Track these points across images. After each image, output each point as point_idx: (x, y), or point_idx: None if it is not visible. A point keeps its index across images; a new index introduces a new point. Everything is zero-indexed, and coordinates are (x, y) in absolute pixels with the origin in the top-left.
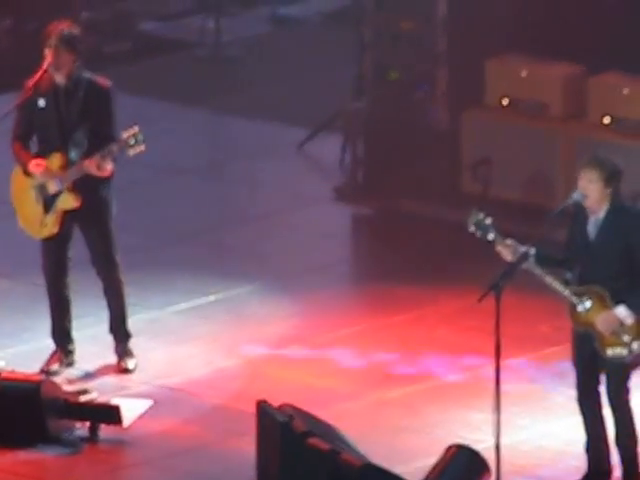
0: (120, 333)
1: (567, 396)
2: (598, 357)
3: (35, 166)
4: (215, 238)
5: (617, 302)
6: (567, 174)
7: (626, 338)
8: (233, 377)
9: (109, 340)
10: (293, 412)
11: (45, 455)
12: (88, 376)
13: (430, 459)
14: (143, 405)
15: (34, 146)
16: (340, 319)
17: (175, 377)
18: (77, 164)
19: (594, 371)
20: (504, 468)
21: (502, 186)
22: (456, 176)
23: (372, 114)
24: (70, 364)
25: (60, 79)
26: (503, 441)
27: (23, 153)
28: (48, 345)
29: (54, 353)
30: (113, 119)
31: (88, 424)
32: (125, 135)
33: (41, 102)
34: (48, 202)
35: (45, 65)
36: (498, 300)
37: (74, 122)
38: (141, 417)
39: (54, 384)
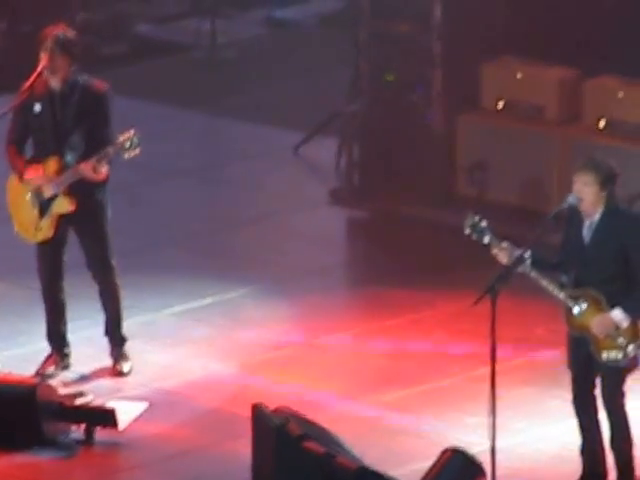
0: (116, 336)
1: (562, 399)
2: (593, 360)
3: (32, 173)
4: (211, 241)
5: (612, 305)
6: (562, 177)
7: (621, 341)
8: (228, 380)
9: (104, 343)
10: (288, 415)
11: (41, 458)
12: (84, 379)
13: (426, 462)
14: (139, 408)
15: (29, 150)
16: (336, 322)
17: (171, 380)
18: (73, 168)
19: (589, 374)
20: (499, 472)
21: (498, 189)
22: (452, 179)
23: (368, 117)
24: (66, 367)
25: (55, 83)
26: (498, 444)
27: (18, 160)
28: (44, 348)
29: (49, 356)
30: (109, 123)
31: (84, 427)
32: (121, 139)
33: (37, 107)
34: (43, 206)
35: (40, 69)
36: (494, 303)
37: (70, 126)
38: (137, 420)
39: (50, 387)
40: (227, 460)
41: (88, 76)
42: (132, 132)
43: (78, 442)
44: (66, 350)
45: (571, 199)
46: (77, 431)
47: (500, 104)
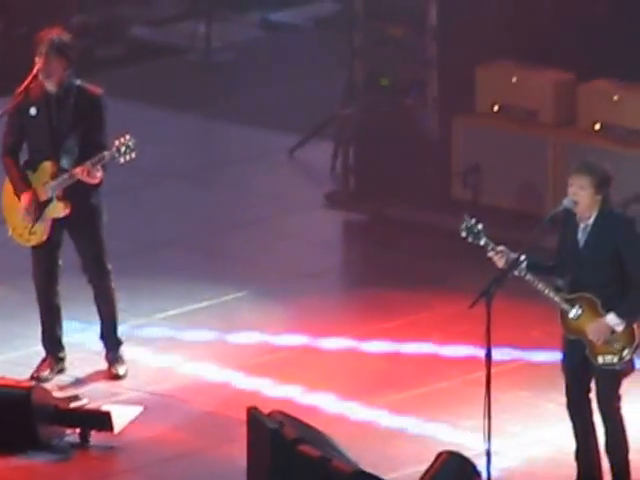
0: (111, 340)
1: (558, 403)
2: (588, 364)
3: (25, 202)
4: (206, 244)
5: (608, 308)
6: (557, 181)
7: (617, 345)
8: (224, 383)
9: (99, 347)
10: (283, 419)
11: (35, 461)
12: (78, 382)
13: (421, 466)
14: (134, 411)
15: (24, 154)
16: (332, 325)
17: (165, 383)
18: (68, 172)
19: (584, 378)
20: (495, 474)
21: (492, 193)
22: (446, 183)
23: (363, 120)
24: (61, 371)
25: (51, 87)
26: (494, 447)
27: (13, 171)
28: (39, 352)
29: (44, 360)
30: (104, 127)
31: (79, 430)
32: (117, 143)
33: (32, 110)
34: (38, 210)
35: (35, 72)
36: (489, 306)
37: (65, 130)
38: (131, 423)
39: (45, 390)
40: (222, 464)
41: (82, 81)
42: (127, 136)
43: (73, 445)
44: (61, 354)
45: (566, 202)
46: (72, 434)
47: (495, 107)
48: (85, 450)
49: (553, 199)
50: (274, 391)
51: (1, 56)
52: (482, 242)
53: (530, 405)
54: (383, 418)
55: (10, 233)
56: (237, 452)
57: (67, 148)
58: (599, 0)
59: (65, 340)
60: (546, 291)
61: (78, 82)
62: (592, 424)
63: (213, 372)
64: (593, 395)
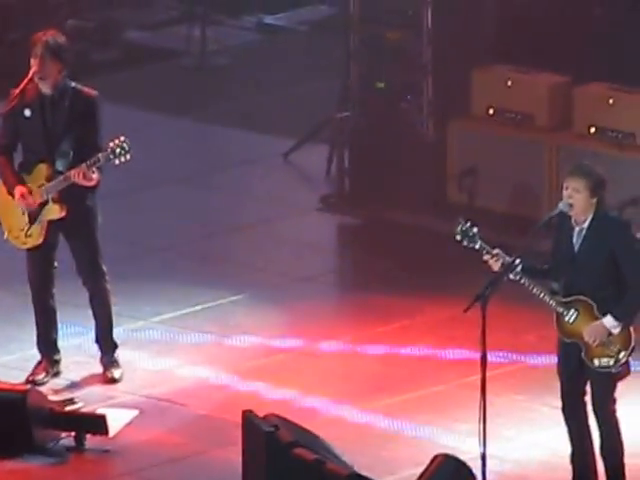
0: (106, 343)
1: (553, 406)
2: (584, 367)
3: (20, 197)
4: (201, 248)
5: (604, 312)
6: (553, 184)
7: (613, 348)
8: (219, 387)
9: (95, 350)
10: (279, 422)
11: (31, 465)
12: (74, 386)
13: (416, 469)
14: (129, 415)
15: (19, 156)
16: (327, 329)
17: (161, 387)
18: (63, 174)
19: (579, 381)
20: (490, 478)
21: (488, 196)
22: (442, 186)
23: (358, 124)
24: (56, 374)
25: (46, 89)
26: (489, 451)
27: (8, 172)
28: (34, 355)
29: (40, 363)
30: (99, 129)
31: (74, 434)
32: (111, 144)
33: (27, 112)
34: (33, 213)
35: (31, 74)
36: (484, 310)
37: (60, 132)
38: (127, 427)
39: (40, 394)
40: (217, 467)
41: (77, 83)
42: (122, 138)
43: (68, 449)
44: (56, 357)
45: (562, 206)
46: (67, 438)
47: (490, 111)
48: (80, 453)
49: (549, 202)
50: (269, 394)
51: None
52: (477, 246)
53: (525, 409)
54: (378, 421)
55: (6, 236)
56: (232, 455)
57: (62, 150)
58: (595, 3)
59: (60, 343)
60: (541, 295)
61: (73, 84)
62: (587, 427)
63: (209, 375)
64: (588, 398)
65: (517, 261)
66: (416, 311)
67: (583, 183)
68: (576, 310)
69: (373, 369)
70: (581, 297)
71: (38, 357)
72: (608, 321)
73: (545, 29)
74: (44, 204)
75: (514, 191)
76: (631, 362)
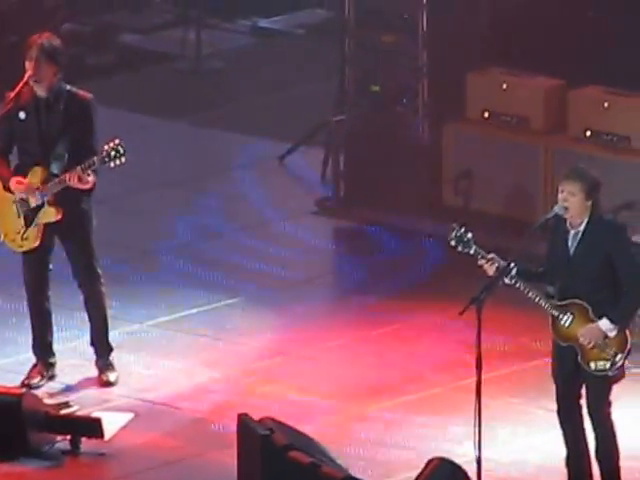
0: (101, 346)
1: (548, 409)
2: (579, 370)
3: (17, 184)
4: (196, 251)
5: (599, 315)
6: (548, 187)
7: (609, 351)
8: (214, 390)
9: (90, 353)
10: (274, 425)
11: (26, 468)
12: (69, 389)
13: (411, 472)
14: (124, 418)
15: (14, 158)
16: (321, 332)
17: (156, 390)
18: (58, 177)
19: (575, 384)
20: None
21: (483, 199)
22: (437, 189)
23: (354, 127)
24: (51, 377)
25: (41, 91)
26: (484, 454)
27: (3, 169)
28: (29, 358)
29: (35, 366)
30: (94, 132)
31: (69, 437)
32: (106, 147)
33: (22, 115)
34: (29, 216)
35: (26, 77)
36: (479, 313)
37: (55, 135)
38: (122, 430)
39: (35, 397)
40: (213, 470)
41: (72, 86)
42: (117, 141)
43: (64, 452)
44: (52, 360)
45: (557, 209)
46: (63, 441)
47: (486, 114)
48: (76, 457)
49: (544, 205)
50: (265, 398)
51: None
52: (472, 251)
53: (520, 412)
54: (374, 424)
55: (2, 239)
56: (228, 459)
57: (57, 153)
58: (590, 7)
59: (56, 346)
60: (537, 298)
61: (68, 87)
62: (583, 430)
63: (204, 379)
64: (583, 401)
65: (512, 265)
66: (411, 314)
67: (578, 186)
68: (571, 314)
69: (368, 372)
70: (576, 300)
71: (33, 360)
72: (604, 324)
73: (540, 32)
74: (39, 207)
75: (509, 194)
76: (626, 365)
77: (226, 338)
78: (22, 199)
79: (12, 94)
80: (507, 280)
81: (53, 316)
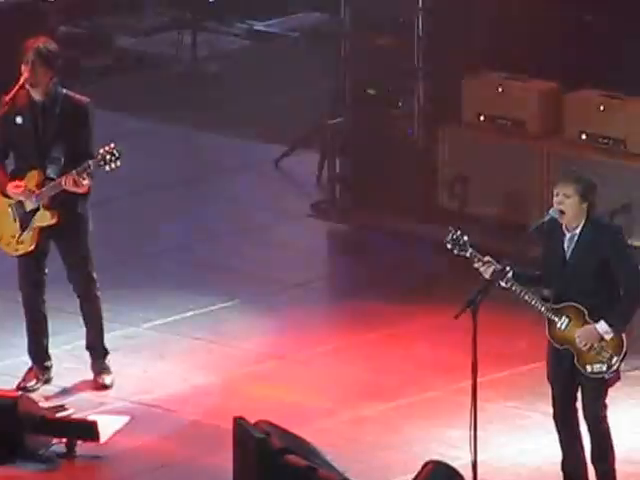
0: (97, 349)
1: (544, 413)
2: (574, 374)
3: (14, 188)
4: (192, 254)
5: (596, 318)
6: (544, 190)
7: (605, 354)
8: (210, 393)
9: (86, 356)
10: (270, 429)
11: (22, 471)
12: (65, 392)
13: (407, 476)
14: (120, 421)
15: (10, 163)
16: (317, 336)
17: (152, 393)
18: (54, 181)
19: (570, 388)
20: None
21: (479, 202)
22: (433, 192)
23: (350, 130)
24: (47, 380)
25: (37, 95)
26: (480, 458)
27: (0, 173)
28: (25, 361)
29: (30, 369)
30: (90, 136)
31: (65, 440)
32: (102, 151)
33: (18, 119)
34: (25, 219)
35: (21, 81)
36: (475, 316)
37: (51, 139)
38: (118, 433)
39: (31, 400)
40: (209, 473)
41: (68, 90)
42: (112, 145)
43: (59, 455)
44: (47, 363)
45: (552, 212)
46: (58, 444)
47: (481, 117)
48: (71, 460)
49: (540, 208)
50: (260, 401)
51: None
52: (468, 254)
53: (516, 415)
54: (370, 428)
55: None
56: (223, 462)
57: (53, 157)
58: (585, 11)
59: (51, 350)
60: (533, 301)
61: (64, 91)
62: (578, 434)
63: (200, 382)
64: (579, 405)
65: (508, 268)
66: (407, 318)
67: (573, 188)
68: (568, 317)
69: (363, 376)
70: (572, 303)
71: (29, 363)
72: (601, 326)
73: (536, 35)
74: (35, 211)
75: (505, 198)
76: (621, 367)
77: (222, 341)
78: (18, 202)
79: (7, 98)
80: (503, 283)
81: (49, 319)
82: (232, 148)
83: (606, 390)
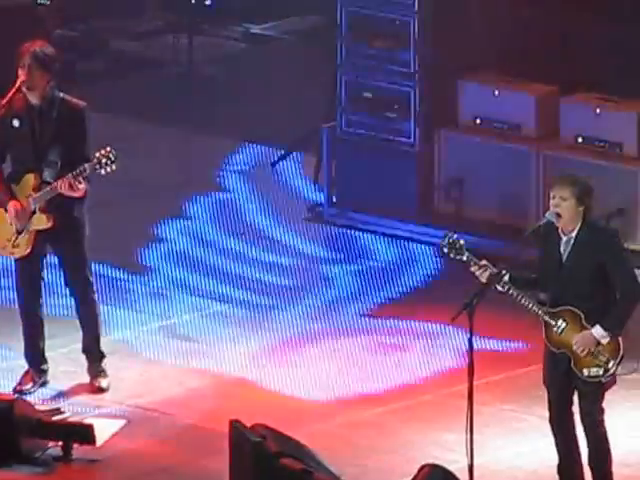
0: (93, 352)
1: (540, 416)
2: (571, 377)
3: (14, 216)
4: (188, 257)
5: (592, 322)
6: (540, 193)
7: (602, 358)
8: (206, 397)
9: (82, 359)
10: (266, 432)
11: (18, 474)
12: (61, 395)
13: (404, 479)
14: (116, 424)
15: (7, 166)
16: (314, 338)
17: (148, 396)
18: (50, 184)
19: (567, 391)
20: None
21: (475, 205)
22: (429, 195)
23: (346, 133)
24: (43, 383)
25: (34, 99)
26: (476, 461)
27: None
28: (21, 364)
29: (27, 372)
30: (87, 139)
31: (61, 443)
32: (98, 155)
33: (15, 122)
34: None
35: (18, 84)
36: (471, 319)
37: (48, 142)
38: (114, 436)
39: (27, 403)
40: (205, 476)
41: (65, 94)
42: (108, 148)
43: (55, 458)
44: (44, 366)
45: (549, 216)
46: (55, 447)
47: (477, 120)
48: (68, 463)
49: (536, 211)
50: (256, 404)
51: None
52: (464, 257)
53: (513, 418)
54: (365, 431)
55: None
56: (220, 465)
57: (49, 161)
58: (582, 14)
59: (47, 353)
60: (529, 305)
61: (61, 95)
62: (575, 437)
63: (196, 385)
64: (576, 408)
65: (504, 272)
66: (404, 320)
67: (569, 191)
68: (564, 320)
69: (360, 379)
70: (569, 307)
71: (25, 366)
72: (597, 331)
73: (533, 39)
74: (31, 214)
75: (501, 200)
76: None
77: (218, 344)
78: None
79: (3, 101)
80: (499, 287)
81: (45, 322)
82: (228, 151)
83: (603, 394)
